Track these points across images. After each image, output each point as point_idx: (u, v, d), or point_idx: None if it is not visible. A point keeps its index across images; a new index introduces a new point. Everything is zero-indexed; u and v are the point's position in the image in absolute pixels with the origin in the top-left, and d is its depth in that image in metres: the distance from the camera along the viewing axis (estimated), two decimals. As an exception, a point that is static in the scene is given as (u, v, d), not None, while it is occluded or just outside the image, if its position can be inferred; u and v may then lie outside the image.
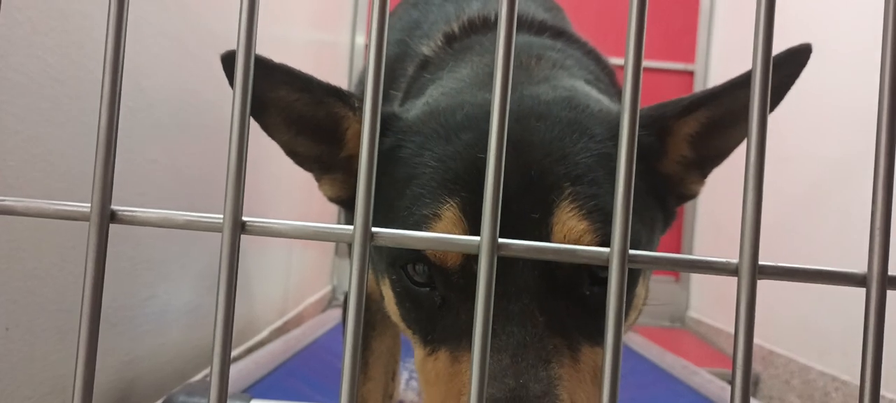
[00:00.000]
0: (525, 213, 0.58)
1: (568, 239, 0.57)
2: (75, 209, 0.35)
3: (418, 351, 0.65)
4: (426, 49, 0.91)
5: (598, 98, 0.72)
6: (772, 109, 0.39)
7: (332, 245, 2.92)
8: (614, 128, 0.66)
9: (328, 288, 2.93)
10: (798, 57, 0.62)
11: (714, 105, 0.66)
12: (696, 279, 3.14)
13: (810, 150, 2.12)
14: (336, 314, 2.33)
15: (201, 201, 1.37)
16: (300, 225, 0.35)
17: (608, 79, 0.91)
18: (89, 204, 0.34)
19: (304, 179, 0.78)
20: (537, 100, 0.68)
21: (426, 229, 0.60)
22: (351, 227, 0.33)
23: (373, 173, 0.33)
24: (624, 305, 0.32)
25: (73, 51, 0.89)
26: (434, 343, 0.62)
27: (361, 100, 0.67)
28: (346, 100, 0.67)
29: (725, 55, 3.08)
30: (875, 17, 0.60)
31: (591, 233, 0.58)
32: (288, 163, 0.74)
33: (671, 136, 0.70)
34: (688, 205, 3.19)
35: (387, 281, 0.68)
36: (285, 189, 2.00)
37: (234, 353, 1.59)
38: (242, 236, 0.34)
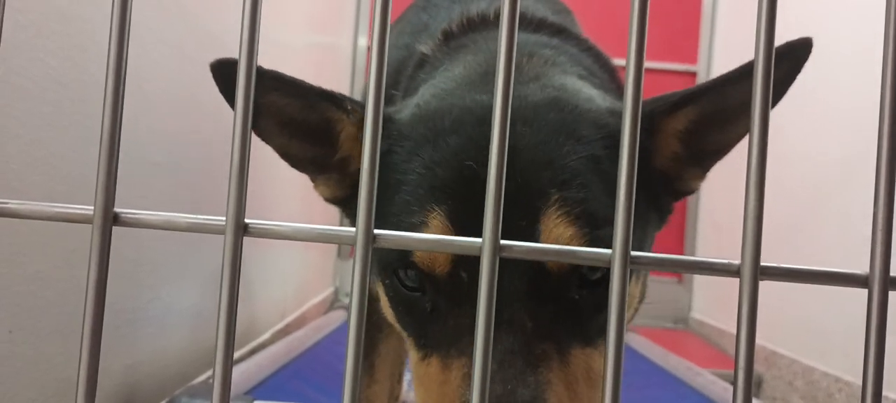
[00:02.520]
0: (512, 221, 0.57)
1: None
2: (79, 212, 0.35)
3: (413, 353, 0.66)
4: (425, 48, 0.91)
5: (588, 96, 0.70)
6: (772, 106, 0.39)
7: (333, 247, 2.92)
8: (602, 128, 0.65)
9: (330, 290, 2.92)
10: (797, 51, 0.59)
11: (704, 101, 0.65)
12: (699, 280, 3.13)
13: (811, 151, 2.12)
14: (338, 316, 2.33)
15: (203, 204, 1.37)
16: (302, 227, 0.35)
17: (607, 76, 0.90)
18: (92, 207, 0.34)
19: (304, 181, 0.78)
20: (524, 101, 0.67)
21: None
22: (353, 229, 0.33)
23: (375, 175, 0.33)
24: (625, 307, 0.32)
25: (75, 54, 0.89)
26: (427, 347, 0.62)
27: (354, 103, 0.67)
28: (338, 104, 0.67)
29: (727, 56, 3.07)
30: (876, 17, 0.60)
31: (578, 239, 0.57)
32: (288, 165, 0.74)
33: (659, 133, 0.68)
34: (689, 206, 3.19)
35: (381, 285, 0.68)
36: (286, 191, 2.00)
37: (236, 355, 1.59)
38: (244, 238, 0.34)
